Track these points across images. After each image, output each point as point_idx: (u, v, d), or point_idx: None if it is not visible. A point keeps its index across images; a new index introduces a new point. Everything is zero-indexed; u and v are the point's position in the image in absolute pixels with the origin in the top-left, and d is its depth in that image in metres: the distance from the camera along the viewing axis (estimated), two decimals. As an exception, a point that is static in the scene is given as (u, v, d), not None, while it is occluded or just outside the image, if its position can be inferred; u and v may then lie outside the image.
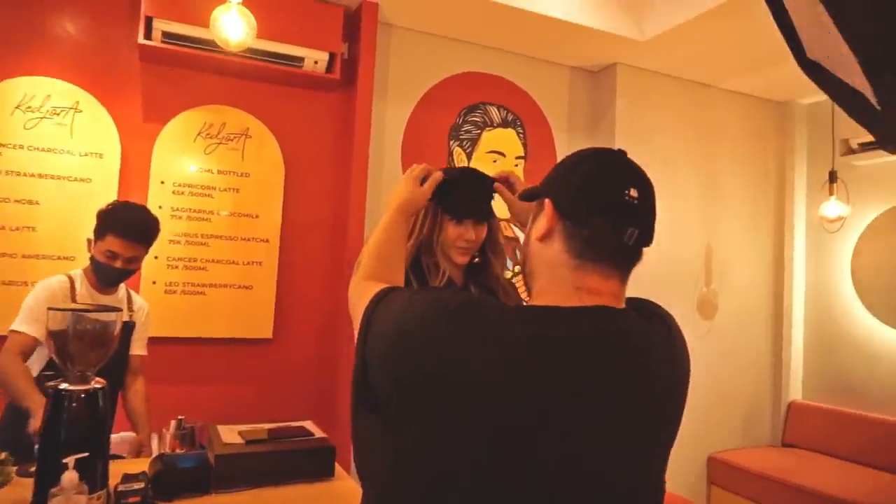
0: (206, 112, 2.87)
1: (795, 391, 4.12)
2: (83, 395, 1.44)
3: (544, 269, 0.89)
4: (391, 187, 3.24)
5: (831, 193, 3.39)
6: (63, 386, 1.44)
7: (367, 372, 0.84)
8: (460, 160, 3.50)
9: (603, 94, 3.81)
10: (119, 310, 1.52)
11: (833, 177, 3.40)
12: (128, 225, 2.02)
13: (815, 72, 1.10)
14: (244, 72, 2.91)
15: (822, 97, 4.11)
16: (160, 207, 2.75)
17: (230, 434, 1.88)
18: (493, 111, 3.60)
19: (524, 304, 1.00)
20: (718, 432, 3.92)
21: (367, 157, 3.04)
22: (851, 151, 3.77)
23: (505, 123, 3.64)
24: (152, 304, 2.35)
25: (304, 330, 3.04)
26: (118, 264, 2.02)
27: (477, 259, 1.61)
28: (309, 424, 2.10)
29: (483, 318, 0.79)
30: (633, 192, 0.85)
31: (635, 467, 0.83)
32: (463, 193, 1.48)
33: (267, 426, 1.96)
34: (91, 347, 1.47)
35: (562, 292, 0.85)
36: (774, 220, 4.19)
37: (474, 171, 1.54)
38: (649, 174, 0.92)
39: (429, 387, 0.76)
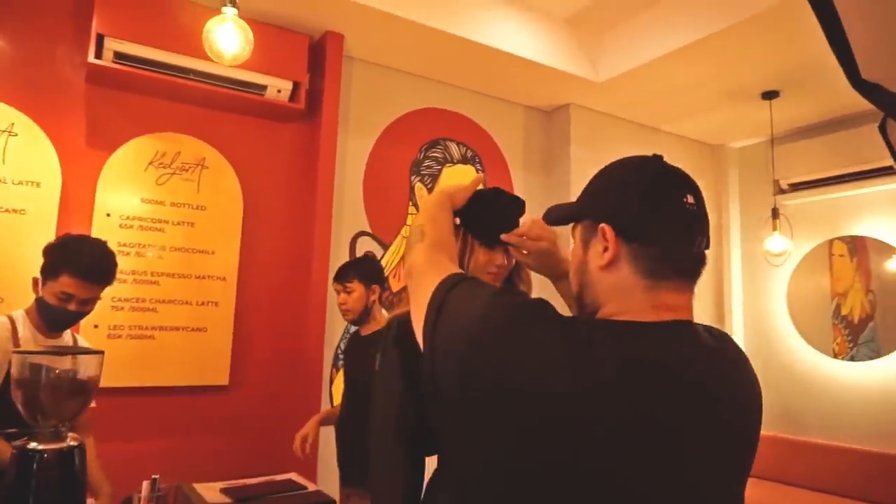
0: (159, 140, 2.65)
1: (741, 421, 4.25)
2: (57, 455, 1.21)
3: (612, 294, 0.83)
4: (354, 221, 3.12)
5: (774, 229, 3.59)
6: (32, 445, 1.20)
7: (434, 363, 0.80)
8: (421, 195, 3.43)
9: (557, 134, 3.89)
10: (102, 352, 1.30)
11: (776, 213, 3.61)
12: (86, 263, 1.77)
13: (870, 91, 1.13)
14: (202, 98, 2.72)
15: (752, 141, 4.42)
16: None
17: (211, 492, 1.65)
18: (454, 147, 3.58)
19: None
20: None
21: (332, 192, 2.91)
22: (782, 191, 4.04)
23: (464, 160, 3.62)
24: (97, 351, 2.07)
25: (264, 376, 2.80)
26: (72, 307, 1.76)
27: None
28: (295, 476, 1.90)
29: (573, 332, 0.75)
30: (690, 199, 0.82)
31: (721, 494, 0.80)
32: (494, 217, 1.41)
33: (252, 481, 1.75)
34: (67, 397, 1.25)
35: (639, 312, 0.80)
36: (713, 255, 4.40)
37: (504, 192, 1.48)
38: None
39: (501, 396, 0.72)
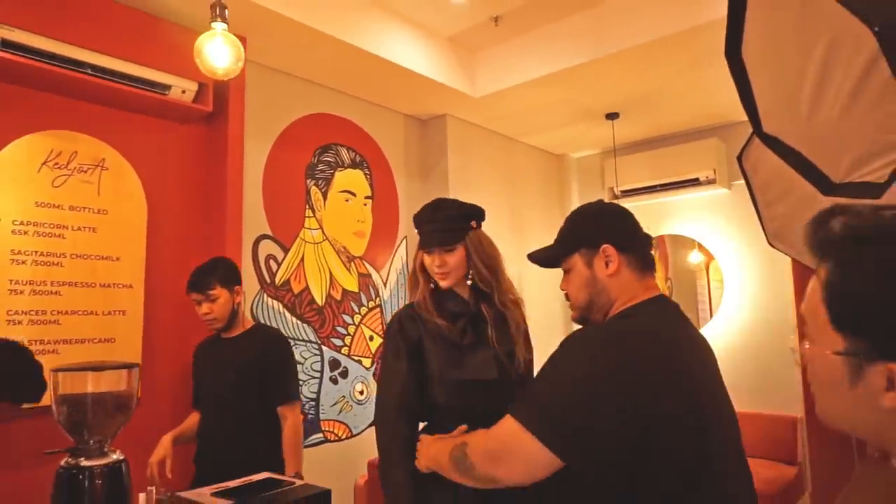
0: (53, 138, 2.43)
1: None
2: (106, 471, 1.22)
3: (621, 291, 1.23)
4: (255, 224, 3.11)
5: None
6: (81, 462, 1.19)
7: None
8: (316, 199, 3.51)
9: (434, 142, 4.20)
10: (137, 365, 1.30)
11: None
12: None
13: (770, 142, 1.58)
14: (100, 95, 2.55)
15: (590, 152, 5.14)
16: (-5, 250, 2.23)
17: (205, 498, 1.67)
18: (344, 152, 3.70)
19: (620, 320, 1.24)
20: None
21: (242, 196, 2.90)
22: (615, 197, 4.79)
23: (354, 164, 3.76)
24: None
25: (177, 388, 2.71)
26: None
27: (469, 280, 1.77)
28: (268, 475, 1.95)
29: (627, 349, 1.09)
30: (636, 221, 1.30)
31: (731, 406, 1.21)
32: (425, 227, 1.72)
33: (233, 483, 1.78)
34: (111, 413, 1.24)
35: (638, 295, 1.21)
36: (560, 252, 5.05)
37: (436, 203, 1.75)
38: None
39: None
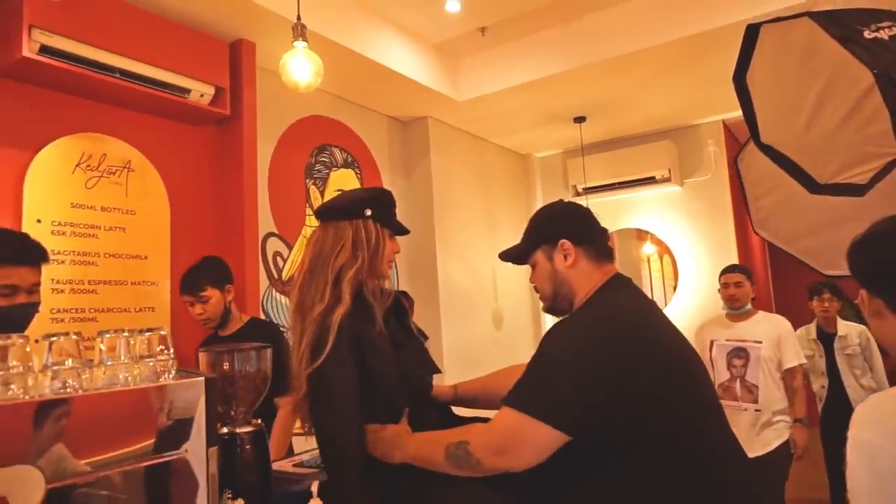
0: (85, 140, 2.50)
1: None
2: (253, 436, 1.41)
3: (580, 281, 1.34)
4: (263, 222, 3.24)
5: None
6: (235, 430, 1.38)
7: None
8: (315, 197, 3.67)
9: (415, 143, 4.42)
10: (270, 346, 1.48)
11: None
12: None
13: (767, 150, 1.94)
14: (126, 98, 2.63)
15: (551, 152, 5.51)
16: (37, 251, 2.29)
17: (288, 468, 1.86)
18: (337, 153, 3.88)
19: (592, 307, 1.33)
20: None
21: (257, 196, 3.03)
22: (578, 194, 5.17)
23: (346, 164, 3.94)
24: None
25: (200, 377, 2.82)
26: (21, 298, 1.61)
27: None
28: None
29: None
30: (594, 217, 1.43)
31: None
32: (394, 211, 1.54)
33: (304, 457, 1.97)
34: (255, 387, 1.42)
35: (598, 281, 1.33)
36: (526, 245, 5.39)
37: (389, 191, 1.61)
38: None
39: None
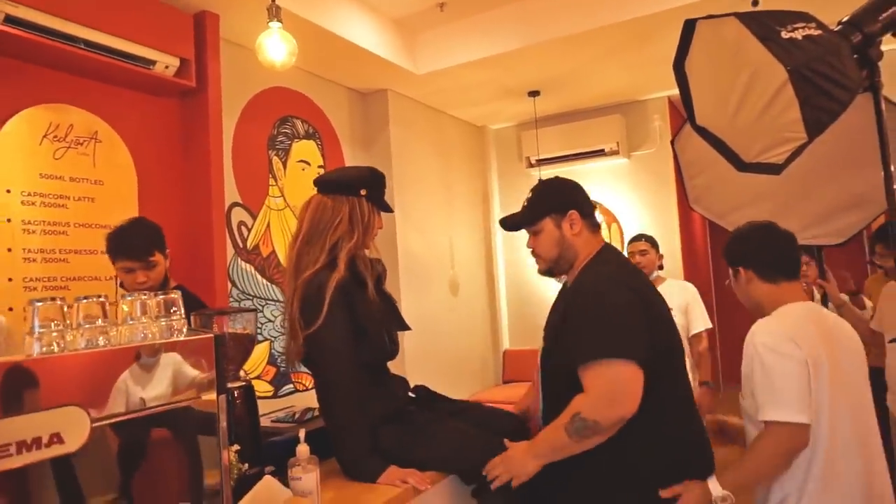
0: (51, 111, 2.53)
1: (506, 341, 5.61)
2: (243, 390, 1.56)
3: (583, 245, 1.60)
4: (227, 192, 3.30)
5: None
6: (227, 386, 1.52)
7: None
8: (277, 168, 3.75)
9: (375, 115, 4.51)
10: (256, 310, 1.62)
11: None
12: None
13: (701, 132, 2.15)
14: (91, 69, 2.64)
15: (506, 124, 5.67)
16: (8, 220, 2.35)
17: (267, 421, 2.01)
18: (299, 124, 3.94)
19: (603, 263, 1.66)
20: (463, 378, 5.04)
21: (223, 167, 3.10)
22: (531, 165, 5.37)
23: (308, 136, 4.01)
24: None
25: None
26: None
27: None
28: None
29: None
30: None
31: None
32: (384, 192, 1.71)
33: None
34: (244, 347, 1.57)
35: (594, 248, 1.61)
36: (482, 216, 5.58)
37: (382, 174, 1.74)
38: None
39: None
